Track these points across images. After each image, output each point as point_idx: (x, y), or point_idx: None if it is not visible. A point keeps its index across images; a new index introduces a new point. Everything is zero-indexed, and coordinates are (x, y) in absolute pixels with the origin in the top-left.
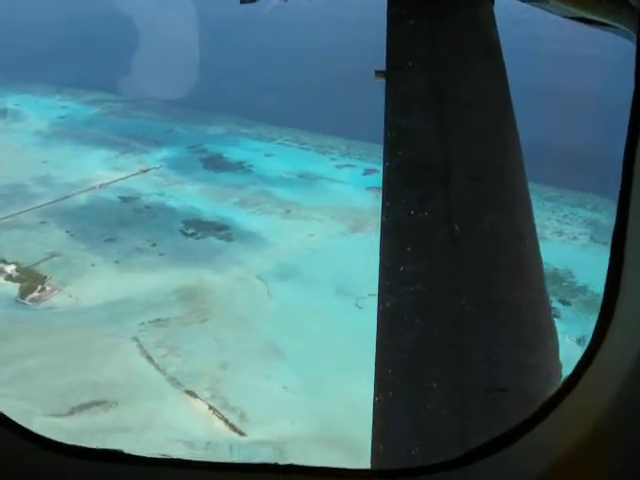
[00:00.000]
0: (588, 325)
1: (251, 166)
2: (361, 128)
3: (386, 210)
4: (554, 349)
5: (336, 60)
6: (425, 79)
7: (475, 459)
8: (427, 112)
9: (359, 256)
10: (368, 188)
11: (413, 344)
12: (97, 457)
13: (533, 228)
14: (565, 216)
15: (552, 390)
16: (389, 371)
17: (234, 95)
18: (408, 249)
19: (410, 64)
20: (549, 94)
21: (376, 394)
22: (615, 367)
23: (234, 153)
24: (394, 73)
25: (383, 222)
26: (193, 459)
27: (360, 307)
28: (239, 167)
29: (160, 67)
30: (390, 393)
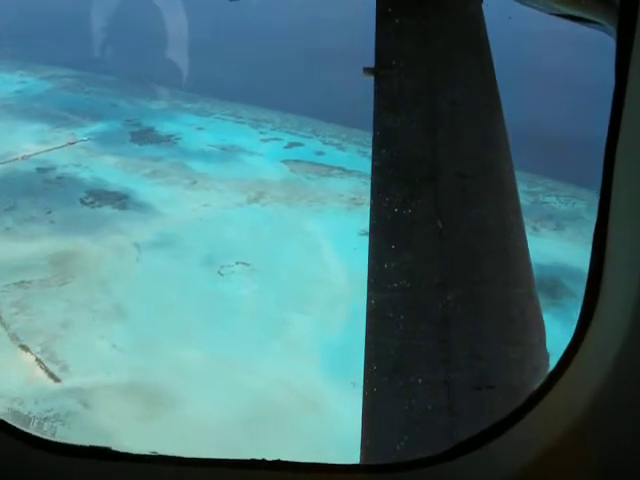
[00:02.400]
0: None
1: (178, 139)
2: (308, 103)
3: (373, 208)
4: (542, 344)
5: (306, 38)
6: (413, 77)
7: (461, 453)
8: (415, 110)
9: (243, 226)
10: (284, 161)
11: (398, 340)
12: (84, 454)
13: (521, 224)
14: None
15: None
16: (374, 367)
17: (193, 70)
18: (393, 246)
19: (398, 62)
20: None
21: (364, 390)
22: (597, 361)
23: (166, 127)
24: (382, 71)
25: (370, 220)
26: (182, 455)
27: (222, 274)
28: (166, 140)
29: (128, 43)
30: (375, 389)
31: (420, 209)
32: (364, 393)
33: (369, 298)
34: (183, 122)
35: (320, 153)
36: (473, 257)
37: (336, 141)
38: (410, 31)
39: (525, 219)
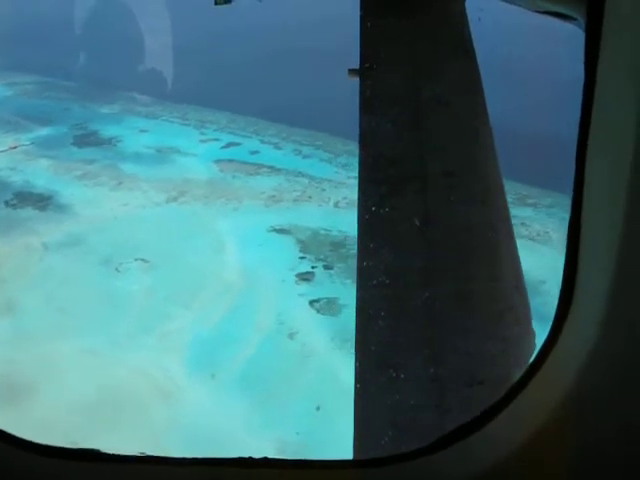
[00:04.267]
0: (337, 289)
1: (119, 142)
2: (259, 104)
3: (360, 208)
4: (530, 339)
5: (279, 40)
6: (398, 77)
7: (442, 447)
8: (400, 109)
9: (154, 225)
10: (216, 161)
11: (379, 337)
12: (72, 456)
13: (508, 220)
14: None
15: None
16: (357, 364)
17: (154, 75)
18: (375, 245)
19: (383, 62)
20: None
21: (355, 386)
22: (573, 356)
23: (110, 130)
24: (367, 72)
25: (358, 220)
26: (168, 456)
27: (119, 271)
28: (107, 143)
29: (93, 49)
30: (358, 385)
31: (406, 207)
32: (355, 389)
33: (357, 297)
34: (128, 125)
35: (255, 152)
36: (459, 254)
37: (275, 140)
38: (394, 32)
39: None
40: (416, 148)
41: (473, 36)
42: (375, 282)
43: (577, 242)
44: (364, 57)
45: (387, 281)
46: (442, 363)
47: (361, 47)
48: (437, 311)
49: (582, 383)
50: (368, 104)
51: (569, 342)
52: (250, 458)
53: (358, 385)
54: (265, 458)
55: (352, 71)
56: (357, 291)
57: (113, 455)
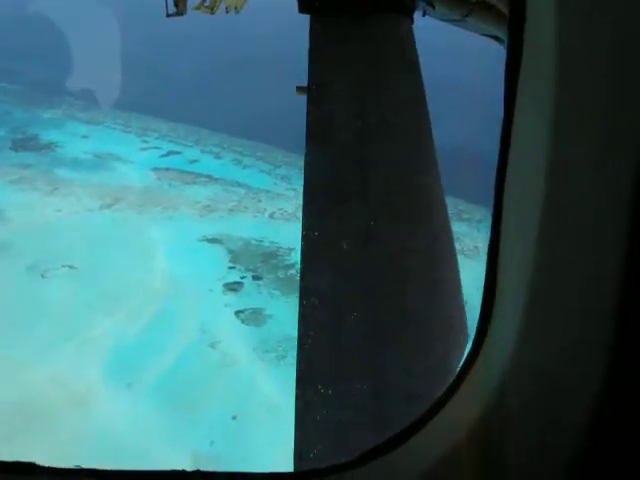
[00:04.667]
0: (265, 299)
1: (58, 147)
2: (203, 114)
3: (303, 227)
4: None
5: (226, 51)
6: (346, 96)
7: (367, 460)
8: (347, 129)
9: (85, 231)
10: (154, 169)
11: (320, 354)
12: (8, 469)
13: (450, 240)
14: None
15: None
16: (298, 381)
17: (100, 81)
18: (318, 264)
19: (331, 81)
20: None
21: (295, 401)
22: (494, 371)
23: (50, 135)
24: (314, 90)
25: (302, 239)
26: (104, 469)
27: (45, 277)
28: (46, 148)
29: (44, 53)
30: (297, 400)
31: (348, 227)
32: (295, 405)
33: (298, 314)
34: (69, 131)
35: (194, 161)
36: (400, 272)
37: (216, 150)
38: (342, 51)
39: None
40: (360, 169)
41: (420, 57)
42: (316, 301)
43: (496, 258)
44: (312, 76)
45: (328, 299)
46: (381, 379)
47: (309, 66)
48: (377, 328)
49: (502, 397)
50: (313, 127)
51: (489, 358)
52: (184, 471)
53: (301, 399)
54: (197, 470)
55: (300, 88)
56: (299, 308)
57: (49, 468)
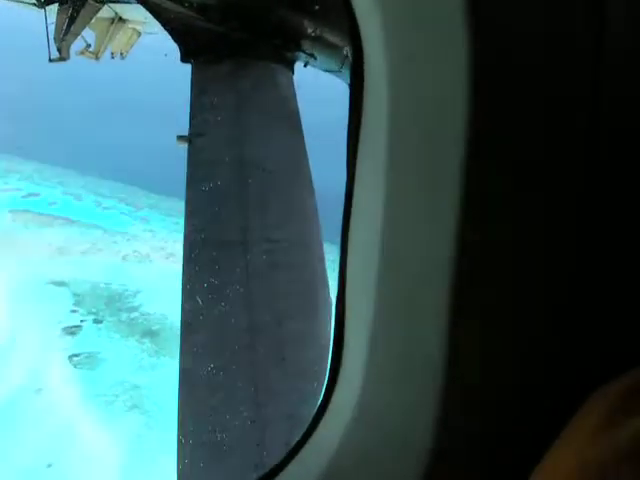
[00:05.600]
0: (102, 343)
1: None
2: (72, 155)
3: (185, 273)
4: None
5: (107, 93)
6: (226, 145)
7: None
8: (228, 177)
9: None
10: (11, 211)
11: (201, 402)
12: None
13: (326, 283)
14: None
15: None
16: (180, 428)
17: None
18: (199, 311)
19: (212, 130)
20: None
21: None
22: (340, 422)
23: None
24: (196, 140)
25: (182, 286)
26: None
27: None
28: None
29: None
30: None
31: (229, 273)
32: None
33: (180, 361)
34: None
35: (53, 203)
36: (279, 319)
37: (78, 192)
38: (224, 100)
39: None
40: (240, 216)
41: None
42: (197, 348)
43: (343, 315)
44: (193, 125)
45: (210, 344)
46: (265, 427)
47: (190, 115)
48: (258, 372)
49: (346, 447)
50: (196, 172)
51: (336, 411)
52: None
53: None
54: None
55: (181, 138)
56: (180, 356)
57: None
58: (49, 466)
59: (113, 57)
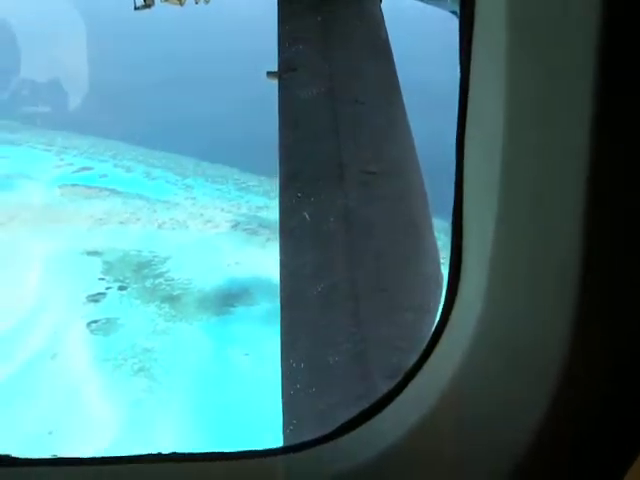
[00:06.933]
0: (123, 309)
1: None
2: (128, 129)
3: (282, 214)
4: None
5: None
6: (316, 79)
7: (342, 433)
8: (319, 112)
9: None
10: (61, 185)
11: (306, 335)
12: None
13: (428, 219)
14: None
15: None
16: (291, 364)
17: (29, 101)
18: (298, 248)
19: (301, 64)
20: None
21: (284, 386)
22: (459, 343)
23: None
24: (286, 74)
25: (280, 225)
26: (80, 457)
27: None
28: None
29: None
30: (298, 385)
31: (328, 210)
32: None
33: (280, 297)
34: None
35: (104, 176)
36: (381, 251)
37: (129, 164)
38: (311, 33)
39: None
40: (337, 149)
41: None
42: (305, 285)
43: (460, 234)
44: (282, 60)
45: (317, 283)
46: (368, 357)
47: (279, 50)
48: (361, 307)
49: (467, 369)
50: (287, 107)
51: (456, 330)
52: (160, 454)
53: (297, 386)
54: (174, 453)
55: (271, 74)
56: (280, 292)
57: (24, 459)
58: (50, 433)
59: (197, 2)
